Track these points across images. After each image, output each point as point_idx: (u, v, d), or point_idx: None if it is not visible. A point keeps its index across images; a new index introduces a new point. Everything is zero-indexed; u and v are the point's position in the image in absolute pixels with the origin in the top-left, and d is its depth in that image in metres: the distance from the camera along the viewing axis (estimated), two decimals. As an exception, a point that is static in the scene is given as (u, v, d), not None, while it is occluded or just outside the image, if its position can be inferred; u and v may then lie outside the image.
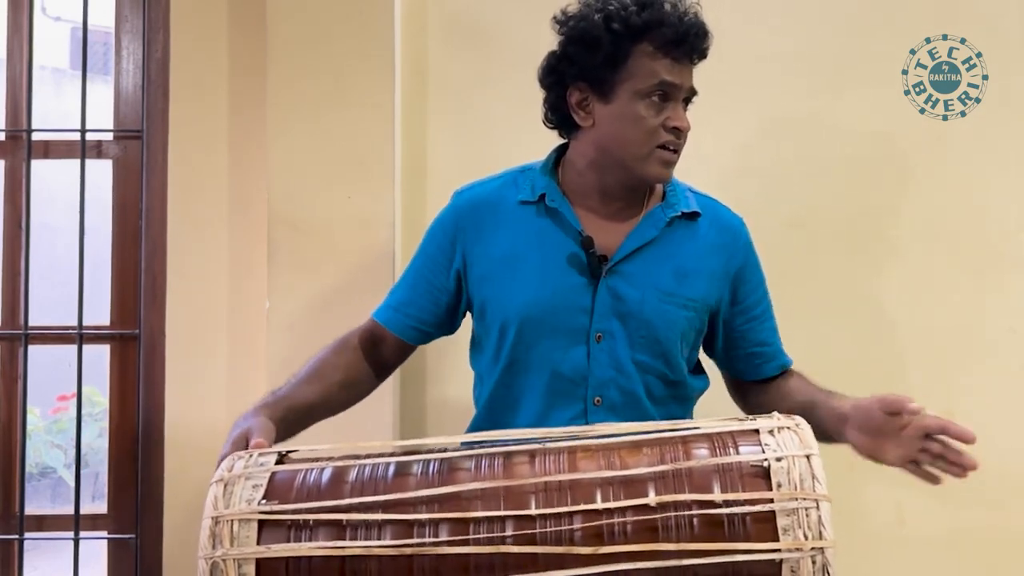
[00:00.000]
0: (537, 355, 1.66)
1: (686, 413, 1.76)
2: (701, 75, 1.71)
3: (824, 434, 1.54)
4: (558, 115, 1.70)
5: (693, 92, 1.66)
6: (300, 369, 1.70)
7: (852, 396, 1.62)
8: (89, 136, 2.45)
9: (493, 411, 1.73)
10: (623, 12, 1.60)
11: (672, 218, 1.69)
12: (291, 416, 1.61)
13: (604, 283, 1.65)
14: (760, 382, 1.79)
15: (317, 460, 1.41)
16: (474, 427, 1.76)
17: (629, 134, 1.62)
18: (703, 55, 1.66)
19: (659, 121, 1.62)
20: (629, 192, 1.69)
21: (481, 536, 1.26)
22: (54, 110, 3.29)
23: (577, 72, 1.64)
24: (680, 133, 1.63)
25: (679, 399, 1.73)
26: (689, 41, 1.61)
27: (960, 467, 1.47)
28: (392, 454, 1.40)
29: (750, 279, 1.76)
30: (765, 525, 1.23)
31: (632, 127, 1.62)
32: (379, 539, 1.27)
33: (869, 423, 1.53)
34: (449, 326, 1.79)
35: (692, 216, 1.71)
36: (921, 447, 1.48)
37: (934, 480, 1.51)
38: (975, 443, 1.46)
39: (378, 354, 1.78)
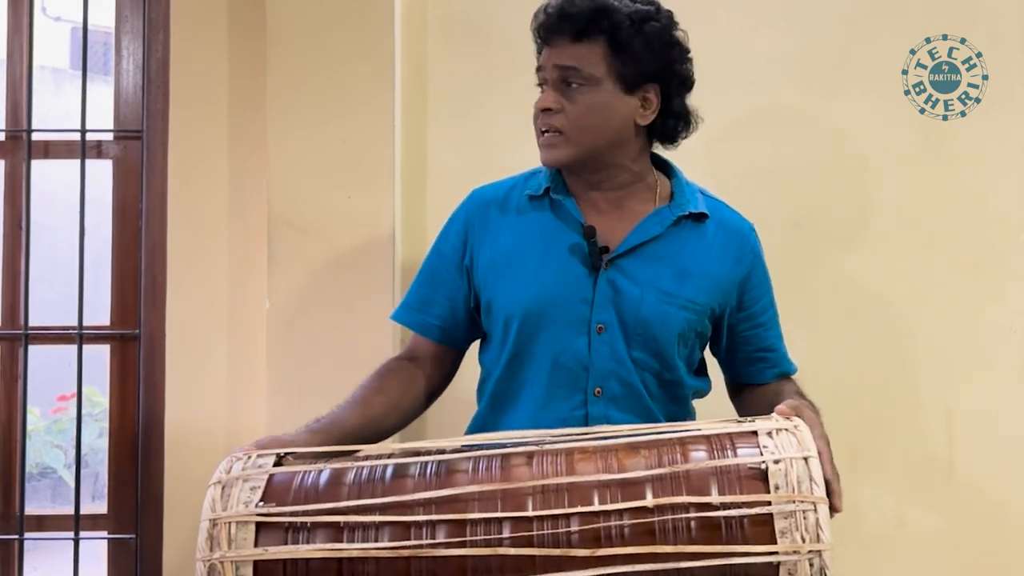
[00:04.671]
0: (539, 345, 1.66)
1: (684, 412, 1.75)
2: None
3: None
4: None
5: (565, 69, 1.63)
6: (344, 400, 1.65)
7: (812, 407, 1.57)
8: (89, 136, 2.45)
9: (495, 403, 1.73)
10: (537, 15, 1.67)
11: (679, 217, 1.68)
12: (332, 441, 1.54)
13: (604, 275, 1.65)
14: (757, 384, 1.78)
15: (315, 462, 1.41)
16: (476, 421, 1.77)
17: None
18: (576, 27, 1.61)
19: (537, 108, 1.67)
20: (600, 182, 1.69)
21: (478, 538, 1.26)
22: (54, 110, 3.28)
23: None
24: (547, 113, 1.64)
25: (676, 399, 1.73)
26: (553, 23, 1.63)
27: None
28: (390, 456, 1.40)
29: (757, 286, 1.75)
30: (762, 528, 1.23)
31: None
32: (377, 541, 1.27)
33: None
34: (470, 327, 1.77)
35: (699, 217, 1.70)
36: None
37: None
38: None
39: (418, 372, 1.74)
